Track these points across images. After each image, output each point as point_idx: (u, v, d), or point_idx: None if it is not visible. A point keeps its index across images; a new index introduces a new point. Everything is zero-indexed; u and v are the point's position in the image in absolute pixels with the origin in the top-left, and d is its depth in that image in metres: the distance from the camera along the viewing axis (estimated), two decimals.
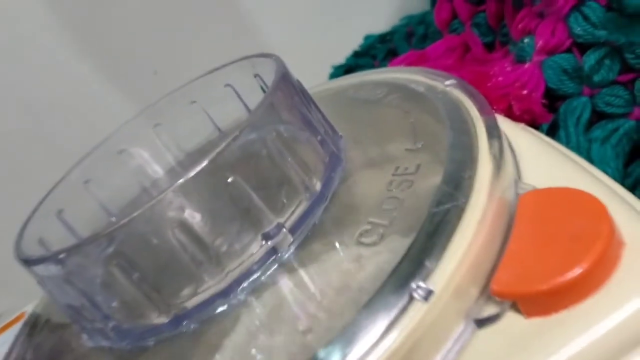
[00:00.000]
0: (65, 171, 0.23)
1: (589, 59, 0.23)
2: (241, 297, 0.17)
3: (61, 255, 0.16)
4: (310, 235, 0.17)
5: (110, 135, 0.24)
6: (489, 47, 0.30)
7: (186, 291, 0.17)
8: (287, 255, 0.17)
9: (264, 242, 0.17)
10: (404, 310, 0.13)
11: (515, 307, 0.14)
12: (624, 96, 0.23)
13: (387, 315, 0.13)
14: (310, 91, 0.21)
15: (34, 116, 0.35)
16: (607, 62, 0.23)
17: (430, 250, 0.14)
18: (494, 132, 0.17)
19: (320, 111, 0.20)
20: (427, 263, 0.14)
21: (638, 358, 0.13)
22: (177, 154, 0.26)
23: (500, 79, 0.24)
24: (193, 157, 0.25)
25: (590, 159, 0.22)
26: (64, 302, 0.18)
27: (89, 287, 0.17)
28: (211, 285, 0.17)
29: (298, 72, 0.20)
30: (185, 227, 0.16)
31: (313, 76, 0.31)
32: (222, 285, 0.17)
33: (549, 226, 0.15)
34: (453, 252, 0.14)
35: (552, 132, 0.24)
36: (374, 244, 0.16)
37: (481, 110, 0.18)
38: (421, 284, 0.13)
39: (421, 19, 0.39)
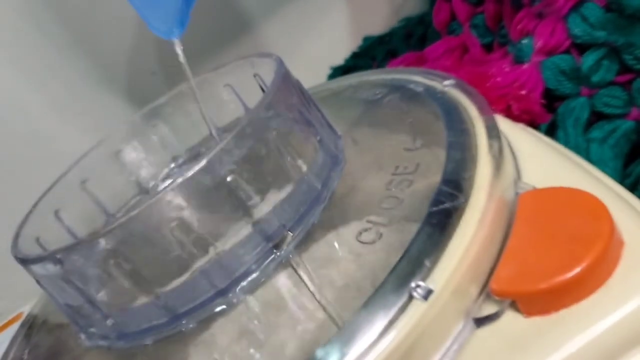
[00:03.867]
0: (62, 171, 0.23)
1: (588, 60, 0.23)
2: (240, 296, 0.17)
3: (59, 255, 0.16)
4: (310, 234, 0.17)
5: (108, 135, 0.24)
6: (488, 48, 0.30)
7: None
8: (286, 255, 0.17)
9: (263, 242, 0.17)
10: (403, 309, 0.13)
11: (514, 306, 0.14)
12: (622, 97, 0.23)
13: (386, 314, 0.13)
14: (310, 91, 0.21)
15: (31, 116, 0.35)
16: (605, 62, 0.23)
17: (429, 250, 0.14)
18: (493, 131, 0.17)
19: (319, 111, 0.20)
20: (427, 262, 0.14)
21: (637, 357, 0.13)
22: (175, 153, 0.26)
23: (499, 79, 0.24)
24: (192, 157, 0.25)
25: (589, 159, 0.22)
26: (62, 302, 0.18)
27: (87, 286, 0.17)
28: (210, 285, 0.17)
29: (298, 73, 0.20)
30: (183, 226, 0.16)
31: (313, 76, 0.31)
32: (221, 284, 0.17)
33: (548, 225, 0.15)
34: (452, 251, 0.14)
35: (551, 132, 0.24)
36: (373, 242, 0.16)
37: (480, 110, 0.18)
38: (421, 283, 0.13)
39: (420, 20, 0.39)
